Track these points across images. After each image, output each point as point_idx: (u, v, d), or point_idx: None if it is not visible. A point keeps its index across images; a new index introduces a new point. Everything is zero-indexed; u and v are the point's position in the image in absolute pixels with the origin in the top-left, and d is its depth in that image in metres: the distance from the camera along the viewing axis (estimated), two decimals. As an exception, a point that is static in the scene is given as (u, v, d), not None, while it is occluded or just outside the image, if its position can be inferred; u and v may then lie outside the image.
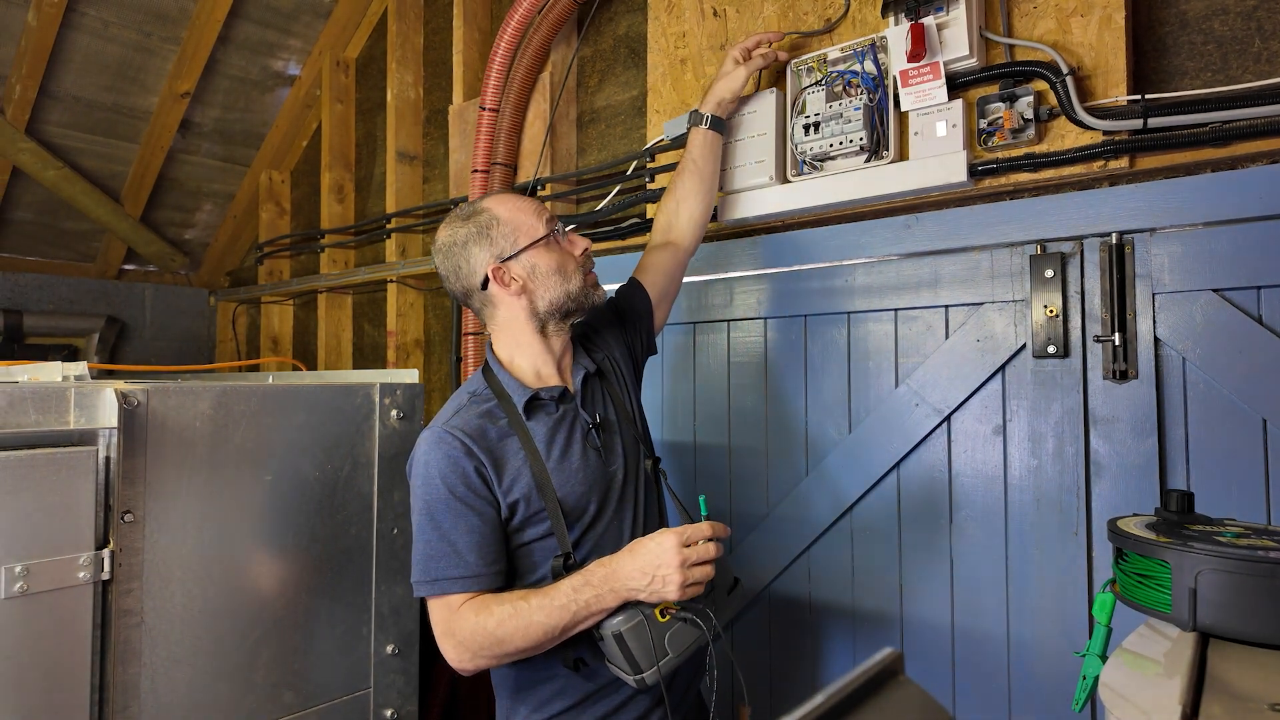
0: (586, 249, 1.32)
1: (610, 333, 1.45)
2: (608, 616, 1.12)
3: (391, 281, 2.86)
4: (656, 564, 1.08)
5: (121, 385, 1.26)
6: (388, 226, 2.89)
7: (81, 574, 1.20)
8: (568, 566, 1.17)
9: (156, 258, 3.63)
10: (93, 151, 3.12)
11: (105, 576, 1.23)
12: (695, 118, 1.61)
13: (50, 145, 3.00)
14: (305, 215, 3.52)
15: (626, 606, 1.12)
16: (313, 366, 3.37)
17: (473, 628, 1.12)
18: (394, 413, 1.60)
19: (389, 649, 1.59)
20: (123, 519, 1.25)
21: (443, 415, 1.25)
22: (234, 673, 1.38)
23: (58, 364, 1.38)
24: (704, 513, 1.16)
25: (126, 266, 3.69)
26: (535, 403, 1.25)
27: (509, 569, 1.20)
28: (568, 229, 1.34)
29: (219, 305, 3.93)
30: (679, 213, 1.57)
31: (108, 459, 1.24)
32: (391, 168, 2.88)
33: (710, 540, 1.11)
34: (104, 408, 1.24)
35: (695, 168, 1.58)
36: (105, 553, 1.23)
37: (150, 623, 1.29)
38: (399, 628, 1.61)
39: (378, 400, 1.58)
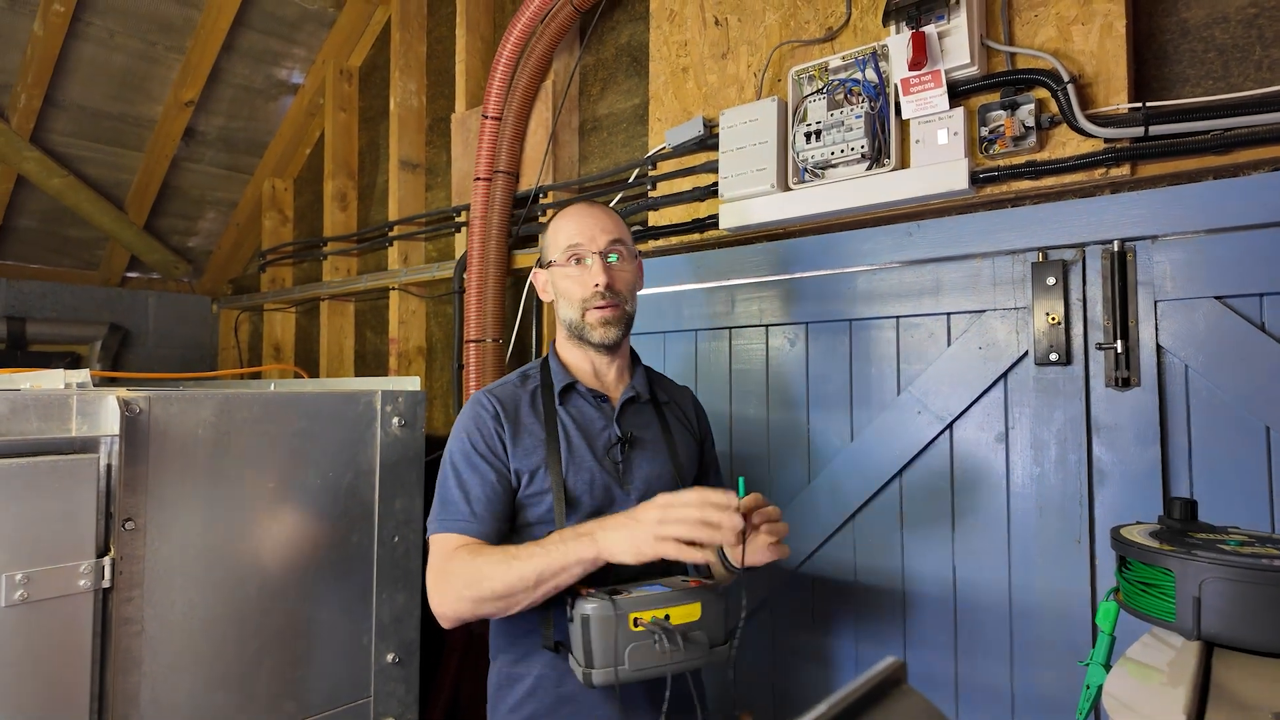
0: (597, 285, 1.29)
1: (692, 417, 1.48)
2: (585, 599, 1.12)
3: (394, 289, 2.87)
4: (640, 510, 1.10)
5: (124, 393, 1.26)
6: (390, 234, 2.90)
7: (82, 582, 1.20)
8: None
9: (160, 265, 3.64)
10: (97, 160, 3.13)
11: (106, 584, 1.23)
12: (725, 562, 1.31)
13: (55, 154, 3.02)
14: (308, 223, 3.53)
15: (605, 597, 1.12)
16: (315, 374, 3.37)
17: (460, 565, 1.17)
18: (396, 420, 1.60)
19: (390, 657, 1.59)
20: (124, 527, 1.25)
21: (493, 384, 1.37)
22: (234, 682, 1.38)
23: (60, 371, 1.38)
24: (741, 494, 1.11)
25: (130, 274, 3.70)
26: (572, 390, 1.33)
27: (510, 532, 1.27)
28: (580, 263, 1.31)
29: (221, 313, 3.94)
30: None
31: (109, 467, 1.24)
32: (394, 176, 2.89)
33: (716, 508, 1.06)
34: (106, 415, 1.24)
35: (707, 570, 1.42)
36: (106, 561, 1.23)
37: (151, 631, 1.28)
38: (400, 636, 1.61)
39: (379, 408, 1.58)
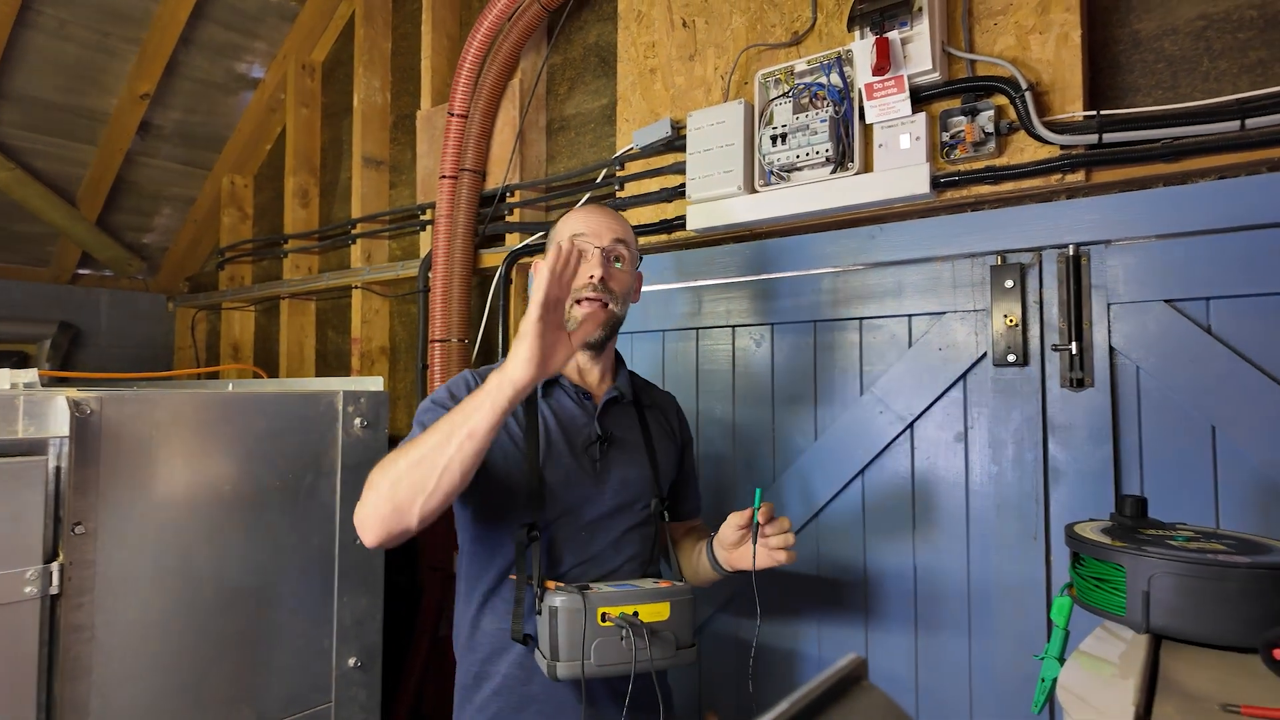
0: (591, 276, 1.29)
1: (675, 422, 1.49)
2: (554, 593, 1.13)
3: (356, 287, 2.82)
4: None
5: (74, 393, 1.22)
6: (353, 232, 2.85)
7: (28, 589, 1.16)
8: (531, 537, 1.20)
9: (113, 262, 3.54)
10: (47, 153, 3.03)
11: (54, 591, 1.19)
12: (716, 565, 1.35)
13: (2, 146, 2.91)
14: (268, 220, 3.47)
15: (575, 590, 1.13)
16: (274, 374, 3.30)
17: (389, 456, 1.09)
18: (358, 421, 1.58)
19: (351, 662, 1.56)
20: (73, 531, 1.22)
21: (481, 368, 1.37)
22: (189, 688, 1.35)
23: (6, 371, 1.33)
24: (757, 504, 1.22)
25: (81, 271, 3.59)
26: (555, 385, 1.33)
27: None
28: (596, 252, 1.30)
29: (178, 311, 3.84)
30: (684, 557, 1.45)
31: (58, 469, 1.20)
32: (357, 173, 2.85)
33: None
34: (55, 416, 1.20)
35: (703, 578, 1.40)
36: (54, 566, 1.19)
37: (101, 638, 1.25)
38: (362, 640, 1.58)
39: (341, 408, 1.56)
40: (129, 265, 3.59)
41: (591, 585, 1.18)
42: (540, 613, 1.14)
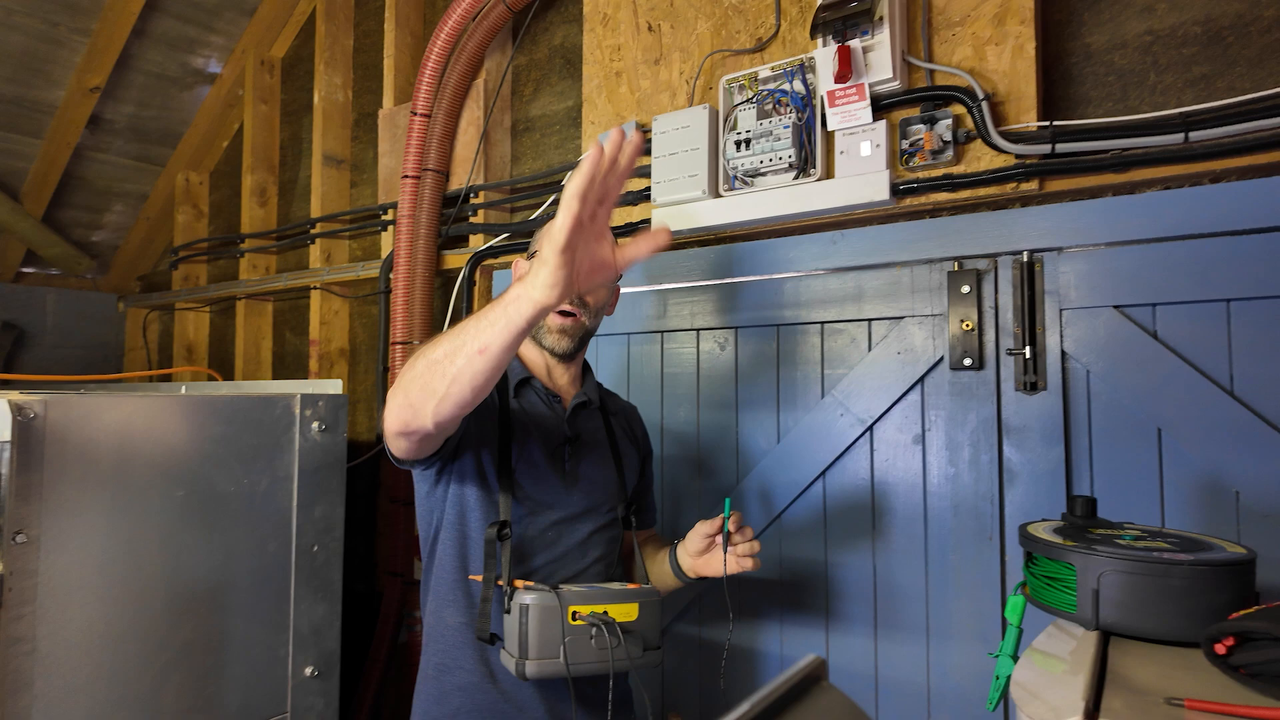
0: None
1: (638, 431, 1.51)
2: (525, 591, 1.12)
3: (315, 288, 2.77)
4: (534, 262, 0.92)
5: (16, 396, 1.18)
6: (312, 231, 2.80)
7: (-34, 598, 1.12)
8: (501, 535, 1.20)
9: (60, 260, 3.42)
10: (-11, 146, 2.93)
11: (-7, 601, 1.14)
12: (678, 571, 1.39)
13: (-60, 138, 2.80)
14: (225, 219, 3.39)
15: (547, 589, 1.12)
16: (230, 376, 3.23)
17: (426, 345, 1.02)
18: (316, 424, 1.55)
19: (308, 671, 1.53)
20: (14, 540, 1.17)
21: None
22: (139, 700, 1.31)
23: (-57, 372, 1.28)
24: (726, 512, 1.25)
25: (25, 269, 3.47)
26: (527, 385, 1.33)
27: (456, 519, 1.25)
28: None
29: (129, 311, 3.73)
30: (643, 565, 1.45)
31: (-2, 474, 1.16)
32: (318, 171, 2.80)
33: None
34: (-5, 419, 1.16)
35: (663, 585, 1.41)
36: (-6, 575, 1.14)
37: (45, 650, 1.20)
38: (319, 648, 1.55)
39: (298, 412, 1.53)
40: (77, 263, 3.47)
41: (560, 585, 1.18)
42: (509, 610, 1.13)
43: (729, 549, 1.27)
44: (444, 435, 1.10)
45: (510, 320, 0.89)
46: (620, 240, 0.89)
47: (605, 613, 1.13)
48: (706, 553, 1.32)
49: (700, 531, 1.30)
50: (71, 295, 3.59)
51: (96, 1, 2.64)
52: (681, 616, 1.86)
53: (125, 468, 1.30)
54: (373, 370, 2.74)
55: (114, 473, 1.29)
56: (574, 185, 0.81)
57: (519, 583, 1.16)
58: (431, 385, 0.96)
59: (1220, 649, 0.74)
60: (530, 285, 0.87)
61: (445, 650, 1.26)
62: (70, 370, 3.51)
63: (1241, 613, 0.77)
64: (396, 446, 1.10)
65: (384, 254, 2.49)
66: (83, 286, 3.65)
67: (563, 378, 1.39)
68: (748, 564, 1.28)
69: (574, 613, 1.12)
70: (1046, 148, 1.39)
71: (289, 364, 3.10)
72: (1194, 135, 1.29)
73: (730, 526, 1.26)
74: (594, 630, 1.11)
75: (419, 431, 1.03)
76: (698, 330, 1.88)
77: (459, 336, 0.94)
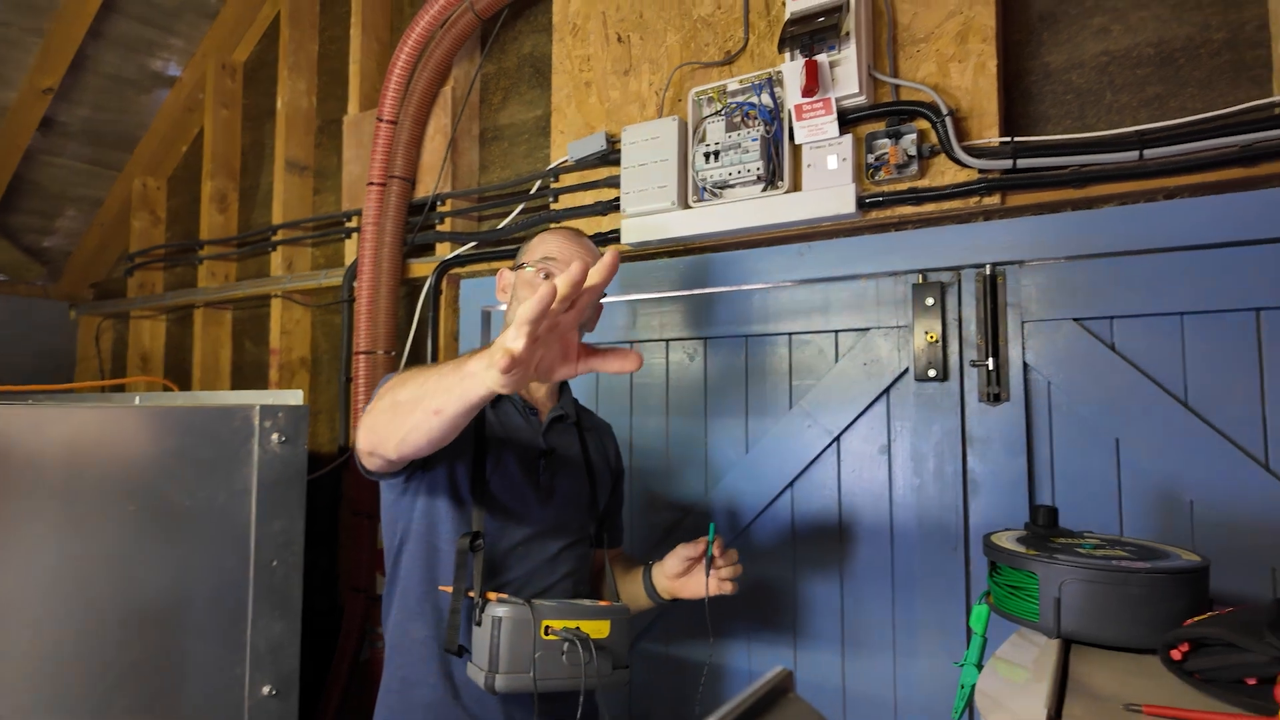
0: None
1: (611, 449, 1.50)
2: (497, 604, 1.11)
3: (276, 296, 2.72)
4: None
5: (-44, 405, 1.13)
6: (274, 238, 2.75)
7: (-101, 619, 1.06)
8: (474, 546, 1.18)
9: (8, 266, 3.31)
10: (-66, 147, 2.82)
11: (-71, 621, 1.09)
12: (650, 592, 1.38)
13: (-118, 138, 2.70)
14: (183, 225, 3.31)
15: (521, 602, 1.11)
16: (186, 386, 3.14)
17: (394, 379, 1.08)
18: (275, 436, 1.51)
19: (266, 690, 1.49)
20: (-47, 555, 1.12)
21: None
22: (84, 723, 1.25)
23: (-121, 381, 1.23)
24: (711, 536, 1.26)
25: (-28, 275, 3.35)
26: (503, 398, 1.31)
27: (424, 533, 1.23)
28: (549, 279, 1.27)
29: (81, 319, 3.62)
30: (612, 584, 1.44)
31: (-64, 488, 1.11)
32: (280, 178, 2.75)
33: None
34: (-66, 430, 1.11)
35: (635, 606, 1.39)
36: (-70, 594, 1.09)
37: (-16, 671, 1.15)
38: (277, 667, 1.51)
39: (257, 423, 1.49)
40: (27, 270, 3.36)
41: (533, 600, 1.16)
42: (480, 623, 1.11)
43: (711, 571, 1.27)
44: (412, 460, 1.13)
45: (465, 394, 0.90)
46: (593, 348, 0.89)
47: (579, 628, 1.12)
48: (685, 575, 1.32)
49: (681, 554, 1.30)
50: (20, 303, 3.47)
51: (51, 1, 2.57)
52: (647, 634, 1.84)
53: (75, 481, 1.26)
54: (335, 381, 2.69)
55: (63, 486, 1.24)
56: (524, 312, 0.77)
57: (492, 595, 1.14)
58: (394, 425, 1.00)
59: (1176, 655, 0.75)
60: (486, 371, 0.85)
61: (409, 665, 1.24)
62: (18, 380, 3.38)
63: (1196, 619, 0.79)
64: (367, 462, 1.12)
65: (348, 262, 2.45)
66: (33, 294, 3.53)
67: (540, 390, 1.39)
68: (728, 588, 1.28)
69: (547, 627, 1.10)
70: (1008, 163, 1.42)
71: (248, 374, 3.03)
72: (1148, 153, 1.33)
73: (714, 551, 1.26)
74: (566, 646, 1.10)
75: (384, 458, 1.07)
76: (667, 340, 1.88)
77: (424, 385, 0.96)
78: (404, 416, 0.98)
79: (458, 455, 1.23)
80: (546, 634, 1.10)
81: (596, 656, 1.12)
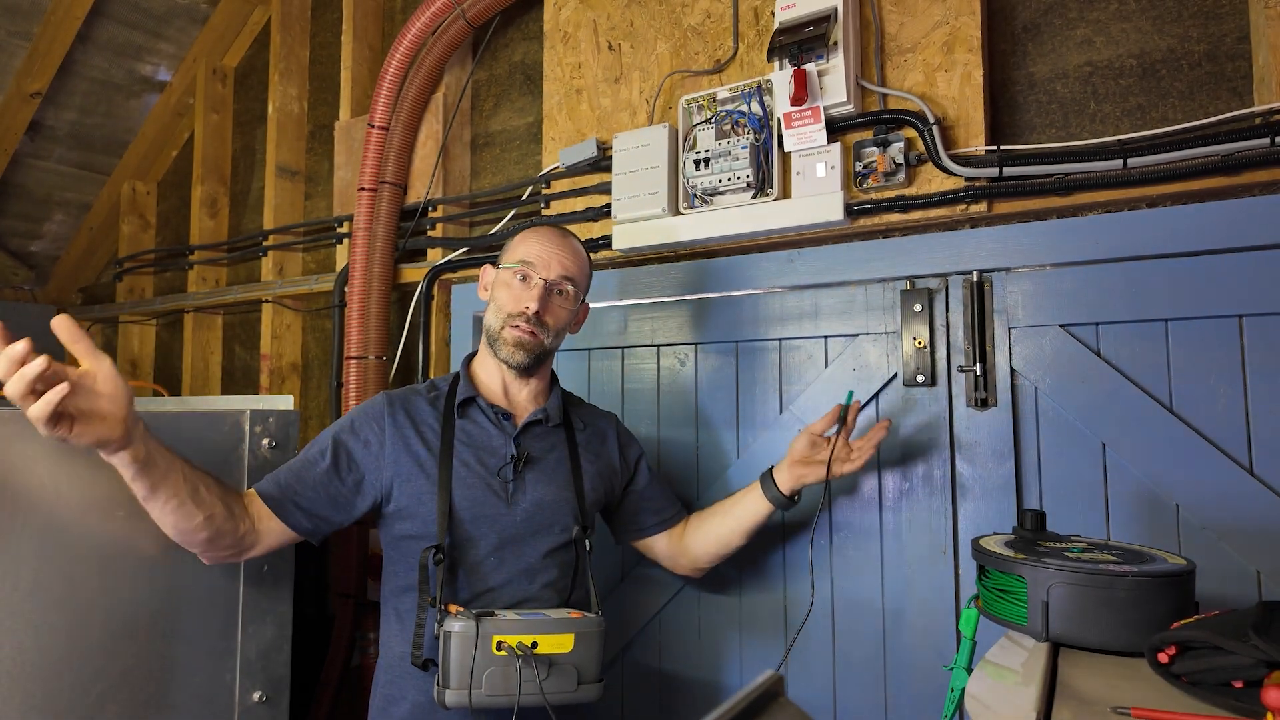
0: (527, 307, 1.30)
1: (613, 444, 1.48)
2: (454, 617, 1.11)
3: (267, 301, 2.71)
4: None
5: (-56, 412, 1.13)
6: (265, 244, 2.74)
7: (-116, 628, 1.05)
8: (436, 560, 1.18)
9: (-5, 271, 3.29)
10: (-80, 151, 2.80)
11: (-86, 630, 1.08)
12: (772, 493, 1.41)
13: None
14: (173, 230, 3.29)
15: (472, 616, 1.11)
16: (176, 392, 3.12)
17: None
18: (265, 441, 1.51)
19: (256, 696, 1.48)
20: (-60, 563, 1.11)
21: (404, 388, 1.38)
22: (72, 732, 1.24)
23: None
24: (847, 402, 1.36)
25: (-43, 280, 3.32)
26: (471, 405, 1.32)
27: (318, 524, 1.27)
28: (525, 280, 1.33)
29: (69, 324, 3.59)
30: (702, 541, 1.49)
31: (-77, 495, 1.10)
32: (271, 183, 2.74)
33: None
34: (-79, 437, 1.10)
35: (739, 532, 1.46)
36: (-84, 602, 1.08)
37: (-30, 680, 1.14)
38: (267, 673, 1.50)
39: (248, 428, 1.48)
40: (14, 274, 3.34)
41: (496, 612, 1.15)
42: (439, 637, 1.11)
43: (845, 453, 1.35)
44: (289, 541, 1.28)
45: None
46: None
47: (534, 644, 1.11)
48: (811, 457, 1.37)
49: (813, 430, 1.37)
50: (7, 307, 3.45)
51: (38, 5, 2.56)
52: (636, 643, 1.84)
53: (59, 489, 1.25)
54: (325, 386, 2.68)
55: (47, 494, 1.23)
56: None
57: (452, 608, 1.14)
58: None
59: (1163, 658, 0.76)
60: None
61: (392, 681, 1.25)
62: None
63: (1182, 622, 0.80)
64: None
65: (339, 267, 2.44)
66: (19, 298, 3.51)
67: (521, 392, 1.37)
68: (850, 465, 1.35)
69: (499, 642, 1.09)
70: (994, 171, 1.44)
71: (239, 379, 3.02)
72: (1131, 162, 1.35)
73: (849, 417, 1.33)
74: (516, 663, 1.09)
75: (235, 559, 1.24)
76: (658, 346, 1.89)
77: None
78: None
79: (414, 469, 1.25)
80: (498, 649, 1.09)
81: (554, 671, 1.11)
